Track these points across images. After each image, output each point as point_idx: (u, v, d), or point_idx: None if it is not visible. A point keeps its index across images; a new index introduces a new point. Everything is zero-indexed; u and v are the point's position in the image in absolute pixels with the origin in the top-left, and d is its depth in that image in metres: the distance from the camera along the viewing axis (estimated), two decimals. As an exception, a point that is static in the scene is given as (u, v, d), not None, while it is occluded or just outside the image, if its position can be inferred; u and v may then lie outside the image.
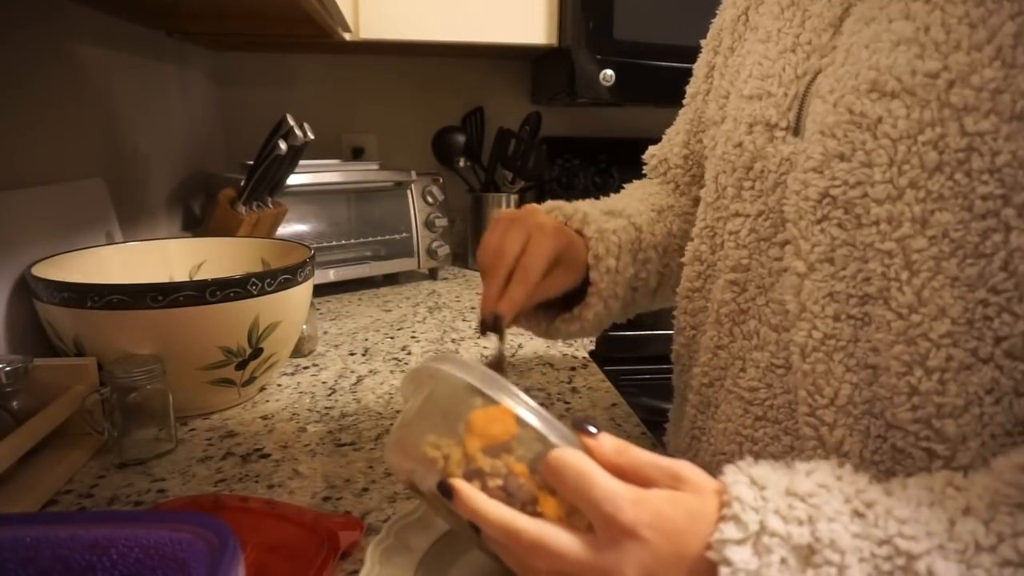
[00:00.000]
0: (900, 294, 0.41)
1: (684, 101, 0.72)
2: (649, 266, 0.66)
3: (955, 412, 0.40)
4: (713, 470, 0.56)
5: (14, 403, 0.59)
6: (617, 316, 0.67)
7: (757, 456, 0.51)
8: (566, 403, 0.78)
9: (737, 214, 0.54)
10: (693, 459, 0.60)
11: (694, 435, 0.59)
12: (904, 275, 0.40)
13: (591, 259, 0.61)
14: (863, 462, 0.44)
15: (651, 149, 0.77)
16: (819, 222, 0.45)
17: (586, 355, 0.95)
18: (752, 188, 0.52)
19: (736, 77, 0.60)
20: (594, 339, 1.14)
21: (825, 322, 0.45)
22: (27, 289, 0.69)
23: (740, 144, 0.53)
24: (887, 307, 0.41)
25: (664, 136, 0.76)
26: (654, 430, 0.71)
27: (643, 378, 1.18)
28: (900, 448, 0.42)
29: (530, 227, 0.58)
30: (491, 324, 0.55)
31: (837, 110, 0.44)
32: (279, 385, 0.82)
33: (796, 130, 0.50)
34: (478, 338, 1.01)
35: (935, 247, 0.39)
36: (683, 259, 0.62)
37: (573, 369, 0.89)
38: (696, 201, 0.71)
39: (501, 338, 0.57)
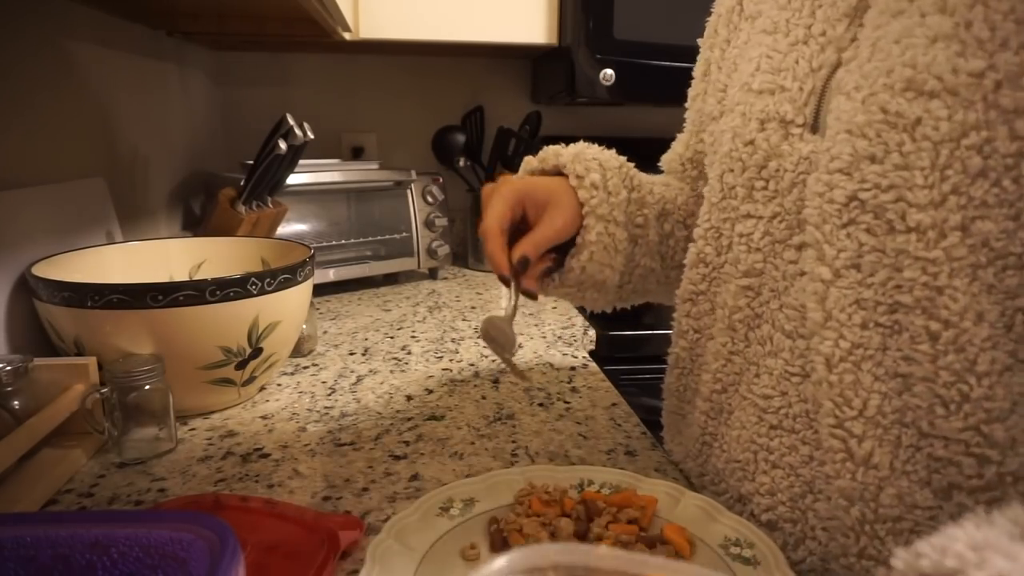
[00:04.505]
0: (952, 302, 0.38)
1: (686, 104, 0.71)
2: (646, 211, 0.64)
3: (1002, 415, 0.39)
4: (727, 477, 0.55)
5: (14, 403, 0.59)
6: (623, 267, 0.64)
7: (774, 466, 0.50)
8: (566, 403, 0.78)
9: (748, 215, 0.51)
10: (704, 465, 0.58)
11: (705, 441, 0.58)
12: (957, 282, 0.38)
13: (574, 180, 0.61)
14: (893, 473, 0.42)
15: (665, 155, 0.77)
16: (845, 226, 0.42)
17: (586, 355, 0.95)
18: (765, 188, 0.50)
19: (733, 69, 0.57)
20: (594, 339, 1.14)
21: (852, 331, 0.42)
22: (27, 289, 0.69)
23: (752, 142, 0.50)
24: (929, 317, 0.39)
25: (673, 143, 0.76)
26: (654, 430, 0.71)
27: (643, 378, 1.18)
28: (940, 457, 0.41)
29: (492, 191, 0.61)
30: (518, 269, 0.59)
31: (868, 109, 0.41)
32: (279, 385, 0.82)
33: (814, 127, 0.47)
34: (478, 338, 1.01)
35: (973, 255, 0.38)
36: (684, 261, 0.60)
37: (573, 369, 0.89)
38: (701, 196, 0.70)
39: (516, 289, 0.60)
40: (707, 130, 0.62)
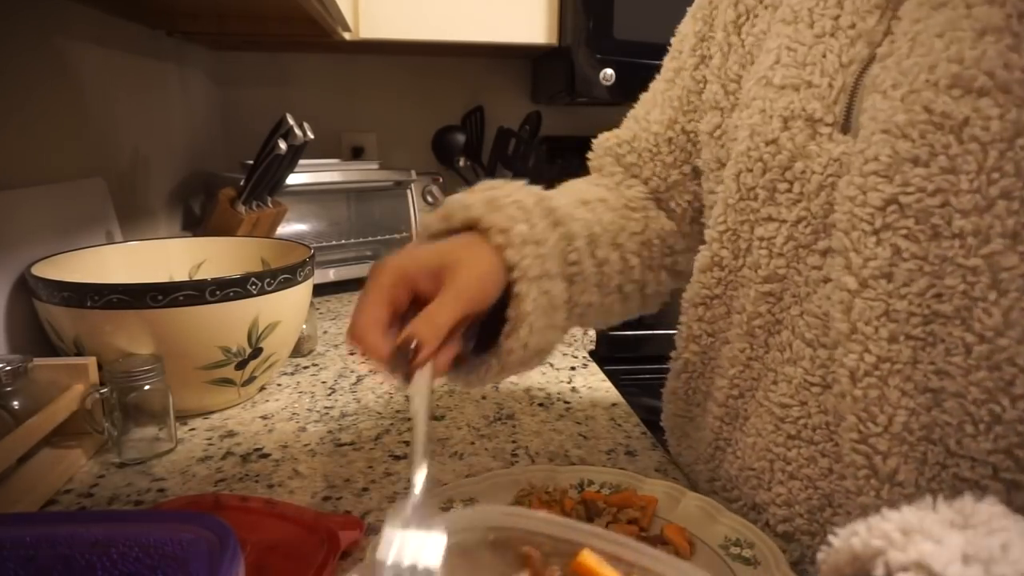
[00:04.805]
0: (986, 316, 0.36)
1: (666, 77, 0.63)
2: (577, 243, 0.54)
3: None
4: (740, 484, 0.53)
5: (14, 403, 0.59)
6: (565, 320, 0.54)
7: (791, 477, 0.48)
8: (566, 403, 0.78)
9: (770, 219, 0.48)
10: (715, 470, 0.56)
11: (718, 446, 0.56)
12: (992, 295, 0.36)
13: (499, 238, 0.47)
14: (919, 491, 0.40)
15: (606, 136, 0.67)
16: (877, 232, 0.40)
17: (586, 355, 0.95)
18: (789, 191, 0.47)
19: (749, 61, 0.54)
20: (594, 339, 1.14)
21: (879, 344, 0.40)
22: (27, 289, 0.69)
23: (775, 141, 0.47)
24: (966, 329, 0.37)
25: (628, 120, 0.67)
26: (654, 430, 0.71)
27: (643, 378, 1.18)
28: (966, 478, 0.39)
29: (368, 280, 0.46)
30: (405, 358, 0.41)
31: (910, 108, 0.38)
32: (279, 385, 0.82)
33: (845, 127, 0.44)
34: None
35: None
36: (696, 264, 0.56)
37: (573, 369, 0.89)
38: (653, 190, 0.64)
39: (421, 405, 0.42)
40: (705, 118, 0.58)
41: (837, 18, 0.45)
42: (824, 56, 0.45)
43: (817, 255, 0.45)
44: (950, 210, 0.37)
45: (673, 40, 0.64)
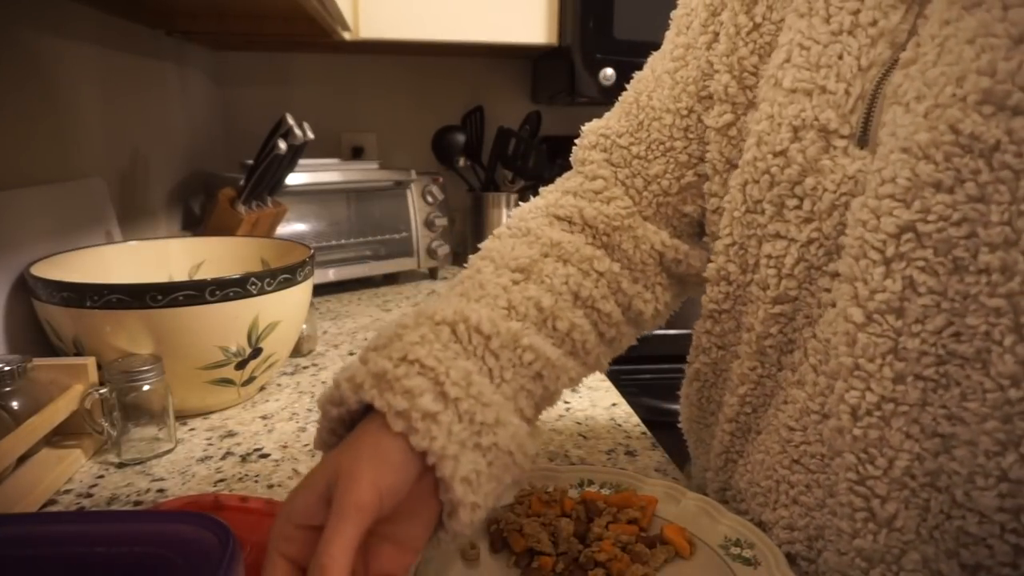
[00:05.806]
0: (1000, 362, 0.33)
1: (674, 55, 0.54)
2: (524, 340, 0.44)
3: None
4: (748, 499, 0.52)
5: (13, 403, 0.59)
6: (528, 442, 0.43)
7: (793, 501, 0.47)
8: (566, 403, 0.78)
9: (778, 236, 0.45)
10: (727, 480, 0.55)
11: (730, 457, 0.54)
12: (1009, 340, 0.33)
13: (398, 424, 0.37)
14: (919, 538, 0.38)
15: (597, 124, 0.59)
16: (888, 262, 0.36)
17: (586, 355, 0.95)
18: (799, 208, 0.43)
19: (765, 51, 0.48)
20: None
21: (883, 384, 0.37)
22: (26, 289, 0.69)
23: (784, 152, 0.43)
24: (986, 374, 0.34)
25: (626, 106, 0.58)
26: (654, 430, 0.71)
27: (643, 378, 1.18)
28: (972, 534, 0.37)
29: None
30: None
31: (933, 125, 0.34)
32: (279, 385, 0.82)
33: (862, 140, 0.40)
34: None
35: None
36: (706, 275, 0.52)
37: (573, 369, 0.89)
38: (657, 193, 0.56)
39: None
40: (713, 111, 0.51)
41: (857, 13, 0.40)
42: (841, 57, 0.41)
43: (828, 277, 0.43)
44: (977, 242, 0.33)
45: (676, 12, 0.56)
